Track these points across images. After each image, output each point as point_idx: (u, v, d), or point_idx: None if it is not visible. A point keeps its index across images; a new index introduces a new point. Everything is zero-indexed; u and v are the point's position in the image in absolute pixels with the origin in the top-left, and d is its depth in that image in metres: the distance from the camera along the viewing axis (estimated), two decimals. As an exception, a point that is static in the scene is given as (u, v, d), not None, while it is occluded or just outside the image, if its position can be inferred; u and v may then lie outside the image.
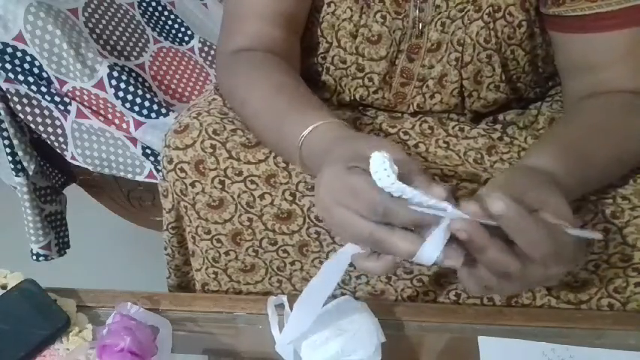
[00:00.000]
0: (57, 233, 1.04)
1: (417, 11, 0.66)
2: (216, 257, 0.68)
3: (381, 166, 0.43)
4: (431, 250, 0.43)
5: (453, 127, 0.71)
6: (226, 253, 0.68)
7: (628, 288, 0.62)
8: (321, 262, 0.66)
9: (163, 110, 0.88)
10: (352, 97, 0.73)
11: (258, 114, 0.62)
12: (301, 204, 0.63)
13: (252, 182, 0.63)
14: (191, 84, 0.99)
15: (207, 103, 0.68)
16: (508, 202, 0.43)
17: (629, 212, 0.59)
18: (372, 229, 0.45)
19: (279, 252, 0.66)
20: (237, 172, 0.62)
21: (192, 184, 0.64)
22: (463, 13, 0.65)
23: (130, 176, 0.94)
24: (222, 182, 0.63)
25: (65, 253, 1.06)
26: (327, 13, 0.69)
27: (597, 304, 0.63)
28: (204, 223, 0.66)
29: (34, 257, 1.00)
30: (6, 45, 0.85)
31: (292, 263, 0.67)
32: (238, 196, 0.63)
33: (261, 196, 0.63)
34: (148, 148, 0.90)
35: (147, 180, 0.93)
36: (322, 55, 0.72)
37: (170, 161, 0.64)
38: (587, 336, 0.60)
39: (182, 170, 0.63)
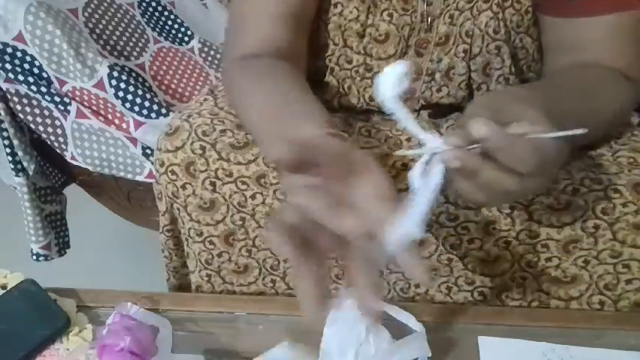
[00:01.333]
0: (57, 233, 1.04)
1: (425, 5, 0.65)
2: (209, 259, 0.68)
3: (394, 76, 0.42)
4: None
5: (446, 129, 0.71)
6: (219, 255, 0.68)
7: (619, 285, 0.62)
8: None
9: (163, 110, 0.89)
10: (361, 98, 0.72)
11: (253, 119, 0.61)
12: None
13: (243, 183, 0.62)
14: (191, 84, 0.99)
15: (198, 104, 0.68)
16: (490, 123, 0.42)
17: (620, 208, 0.59)
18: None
19: (272, 249, 0.66)
20: (227, 173, 0.62)
21: (184, 187, 0.64)
22: (472, 4, 0.65)
23: (130, 176, 0.94)
24: (212, 184, 0.63)
25: (65, 253, 1.06)
26: (334, 14, 0.68)
27: (588, 300, 0.64)
28: (196, 225, 0.66)
29: (34, 257, 1.00)
30: (6, 45, 0.85)
31: (286, 260, 0.67)
32: (230, 196, 0.63)
33: (253, 196, 0.63)
34: (148, 148, 0.90)
35: (147, 180, 0.93)
36: (329, 57, 0.71)
37: (162, 164, 0.64)
38: (587, 336, 0.60)
39: (173, 173, 0.64)
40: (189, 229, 0.67)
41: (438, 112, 0.74)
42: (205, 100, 0.69)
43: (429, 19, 0.66)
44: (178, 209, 0.66)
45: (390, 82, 0.42)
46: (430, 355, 0.55)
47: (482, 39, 0.66)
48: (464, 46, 0.67)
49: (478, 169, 0.43)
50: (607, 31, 0.63)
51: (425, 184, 0.43)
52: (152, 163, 0.90)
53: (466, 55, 0.67)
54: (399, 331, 0.58)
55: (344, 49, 0.69)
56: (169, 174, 0.64)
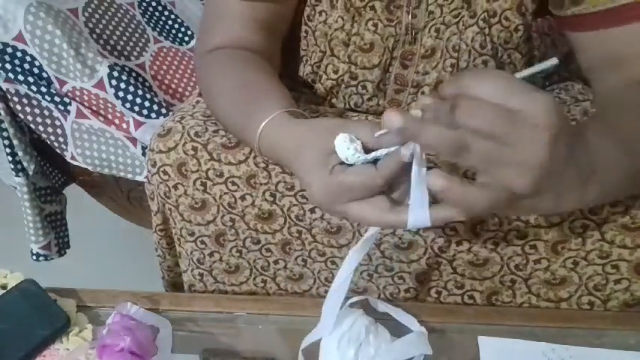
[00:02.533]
0: (57, 233, 1.04)
1: (410, 17, 0.65)
2: (200, 259, 0.69)
3: (345, 148, 0.47)
4: (419, 213, 0.46)
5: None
6: (210, 255, 0.68)
7: (608, 285, 0.62)
8: (304, 260, 0.67)
9: (163, 110, 0.89)
10: (346, 104, 0.73)
11: (222, 114, 0.63)
12: (281, 204, 0.63)
13: (233, 183, 0.63)
14: (191, 84, 0.99)
15: (191, 106, 0.69)
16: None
17: (609, 208, 0.58)
18: (380, 219, 0.48)
19: (262, 251, 0.67)
20: (218, 174, 0.63)
21: (175, 187, 0.64)
22: (458, 18, 0.65)
23: (129, 176, 0.94)
24: (203, 184, 0.63)
25: (65, 253, 1.06)
26: (320, 22, 0.68)
27: (577, 301, 0.64)
28: (188, 225, 0.66)
29: (34, 257, 1.00)
30: (6, 45, 0.85)
31: (276, 262, 0.67)
32: (220, 197, 0.64)
33: (242, 197, 0.63)
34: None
35: (146, 181, 0.93)
36: (317, 64, 0.72)
37: (154, 164, 0.64)
38: (587, 336, 0.60)
39: (165, 173, 0.64)
40: (181, 228, 0.67)
41: None
42: (198, 102, 0.70)
43: (413, 31, 0.66)
44: (170, 209, 0.66)
45: (348, 155, 0.47)
46: (431, 352, 0.55)
47: (469, 54, 0.66)
48: (451, 61, 0.67)
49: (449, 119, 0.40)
50: None
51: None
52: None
53: (453, 69, 0.67)
54: (399, 331, 0.58)
55: (331, 57, 0.70)
56: (161, 174, 0.64)
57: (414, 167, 0.45)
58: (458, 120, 0.40)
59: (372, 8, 0.65)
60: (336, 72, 0.70)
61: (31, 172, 0.93)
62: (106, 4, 0.95)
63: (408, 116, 0.43)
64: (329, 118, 0.50)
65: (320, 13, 0.68)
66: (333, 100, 0.73)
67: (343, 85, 0.71)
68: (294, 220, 0.64)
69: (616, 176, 0.49)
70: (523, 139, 0.39)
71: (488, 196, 0.42)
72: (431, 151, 0.43)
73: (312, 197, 0.50)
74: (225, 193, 0.63)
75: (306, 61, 0.73)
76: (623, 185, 0.51)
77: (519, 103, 0.39)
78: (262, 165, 0.62)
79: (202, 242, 0.67)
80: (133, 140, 0.90)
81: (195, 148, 0.63)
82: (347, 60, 0.68)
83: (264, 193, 0.63)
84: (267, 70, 0.66)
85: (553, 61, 0.42)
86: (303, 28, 0.71)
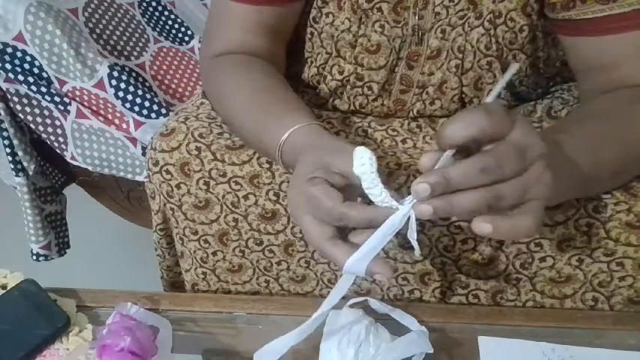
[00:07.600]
0: (57, 233, 1.04)
1: (417, 19, 0.65)
2: (204, 258, 0.69)
3: (367, 158, 0.45)
4: (358, 261, 0.45)
5: (441, 124, 0.71)
6: (214, 254, 0.68)
7: (612, 282, 0.62)
8: (306, 262, 0.67)
9: (163, 110, 0.89)
10: (351, 105, 0.73)
11: (239, 118, 0.63)
12: (285, 204, 0.63)
13: (237, 183, 0.63)
14: (191, 84, 0.99)
15: (195, 107, 0.69)
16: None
17: (612, 207, 0.59)
18: (319, 242, 0.47)
19: (265, 252, 0.67)
20: (221, 174, 0.63)
21: (178, 186, 0.64)
22: (463, 20, 0.65)
23: (129, 176, 0.94)
24: (206, 183, 0.64)
25: (65, 253, 1.06)
26: (326, 24, 0.68)
27: (582, 298, 0.64)
28: (191, 224, 0.66)
29: (34, 257, 1.00)
30: (6, 45, 0.85)
31: (279, 263, 0.67)
32: (223, 196, 0.64)
33: (246, 197, 0.63)
34: (148, 148, 0.90)
35: (147, 180, 0.93)
36: (322, 66, 0.72)
37: (156, 163, 0.64)
38: (587, 336, 0.60)
39: (167, 172, 0.64)
40: (184, 227, 0.67)
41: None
42: (202, 103, 0.70)
43: (420, 32, 0.66)
44: (172, 209, 0.66)
45: (366, 165, 0.45)
46: (432, 350, 0.55)
47: (474, 55, 0.66)
48: (456, 62, 0.67)
49: (447, 175, 0.42)
50: (634, 47, 0.60)
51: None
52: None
53: (458, 70, 0.67)
54: (399, 331, 0.58)
55: (337, 59, 0.70)
56: (163, 173, 0.64)
57: (389, 221, 0.45)
58: (487, 179, 0.42)
59: (379, 10, 0.65)
60: (341, 73, 0.70)
61: (31, 172, 0.93)
62: (106, 4, 0.95)
63: (438, 185, 0.42)
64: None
65: (327, 15, 0.68)
66: (337, 102, 0.73)
67: (349, 86, 0.71)
68: None
69: (569, 177, 0.52)
70: (530, 162, 0.44)
71: (534, 217, 0.45)
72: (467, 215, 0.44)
73: (287, 197, 0.51)
74: (229, 193, 0.63)
75: (311, 62, 0.73)
76: (573, 184, 0.54)
77: (516, 137, 0.43)
78: (266, 165, 0.62)
79: (206, 241, 0.67)
80: (133, 140, 0.90)
81: (198, 149, 0.63)
82: (353, 61, 0.69)
83: (267, 192, 0.63)
84: (280, 77, 0.67)
85: (514, 67, 0.45)
86: (309, 30, 0.71)
